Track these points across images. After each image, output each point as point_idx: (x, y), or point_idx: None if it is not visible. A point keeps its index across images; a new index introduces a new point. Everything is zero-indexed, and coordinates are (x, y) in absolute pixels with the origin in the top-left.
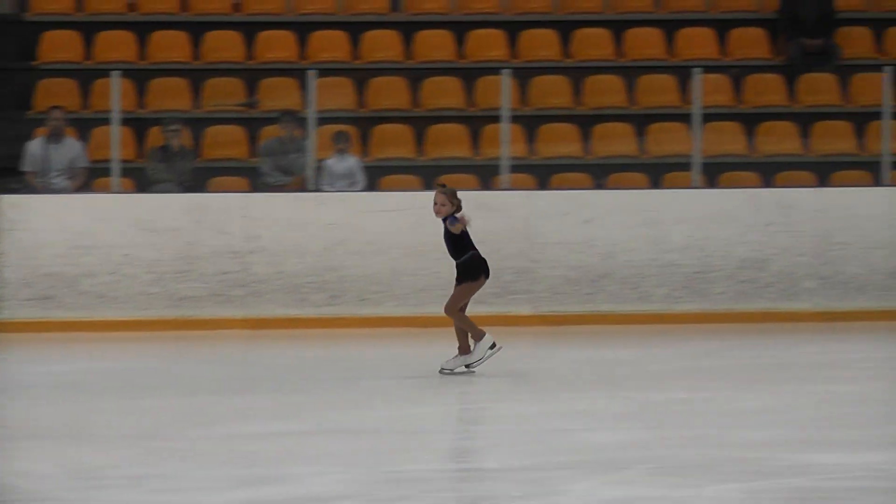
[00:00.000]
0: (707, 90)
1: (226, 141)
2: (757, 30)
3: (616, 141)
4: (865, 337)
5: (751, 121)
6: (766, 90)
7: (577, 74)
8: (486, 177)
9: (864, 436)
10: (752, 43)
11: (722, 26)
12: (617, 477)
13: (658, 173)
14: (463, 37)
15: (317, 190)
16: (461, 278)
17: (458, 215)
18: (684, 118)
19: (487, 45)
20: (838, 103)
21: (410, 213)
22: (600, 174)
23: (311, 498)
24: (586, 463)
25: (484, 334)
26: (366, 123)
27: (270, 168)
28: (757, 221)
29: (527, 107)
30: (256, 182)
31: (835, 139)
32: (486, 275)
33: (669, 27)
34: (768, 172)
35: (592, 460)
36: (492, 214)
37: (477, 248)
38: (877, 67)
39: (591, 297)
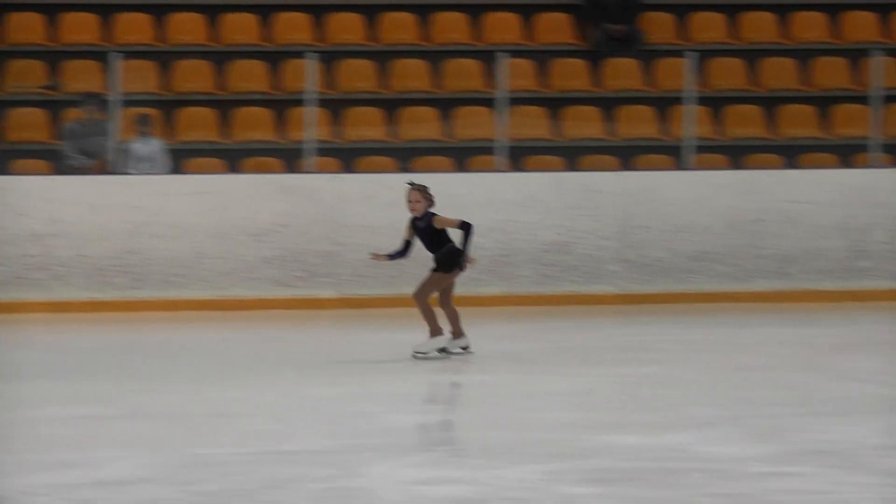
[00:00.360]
0: (512, 75)
1: (28, 123)
2: (561, 15)
3: (421, 125)
4: (667, 320)
5: (555, 105)
6: (571, 75)
7: (383, 58)
8: (292, 160)
9: (664, 417)
10: (556, 28)
11: (526, 11)
12: (420, 458)
13: (463, 157)
14: (268, 19)
15: (120, 173)
16: (436, 268)
17: (468, 259)
18: (489, 102)
19: (292, 28)
20: (642, 88)
21: (214, 196)
22: (406, 158)
23: (112, 482)
24: (389, 445)
25: (441, 333)
26: (170, 106)
27: (73, 151)
28: (561, 205)
29: (332, 90)
30: (59, 165)
31: (638, 124)
32: (461, 268)
33: (474, 12)
34: (572, 156)
35: (396, 442)
36: (297, 198)
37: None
38: (679, 53)
39: (394, 280)
